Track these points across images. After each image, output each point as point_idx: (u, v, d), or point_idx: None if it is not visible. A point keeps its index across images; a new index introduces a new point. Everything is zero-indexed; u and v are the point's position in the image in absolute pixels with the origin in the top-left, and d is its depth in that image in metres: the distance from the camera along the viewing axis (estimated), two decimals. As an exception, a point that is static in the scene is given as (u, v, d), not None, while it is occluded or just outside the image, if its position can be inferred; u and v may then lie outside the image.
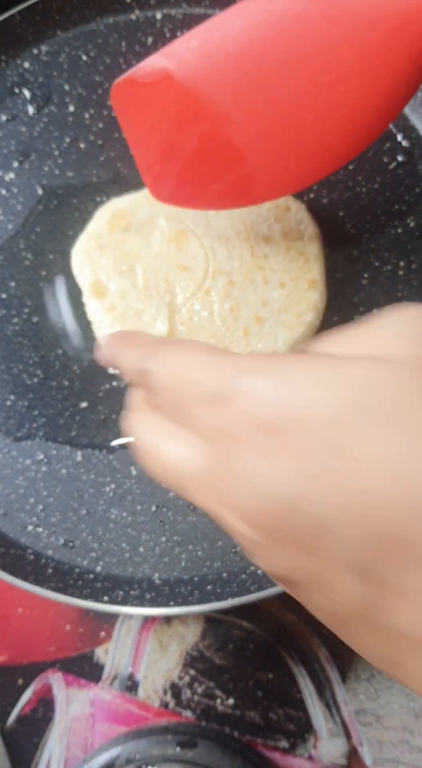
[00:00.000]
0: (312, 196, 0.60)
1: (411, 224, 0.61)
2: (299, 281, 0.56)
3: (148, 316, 0.55)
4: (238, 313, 0.55)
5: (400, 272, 0.60)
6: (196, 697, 0.57)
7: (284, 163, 0.45)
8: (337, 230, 0.61)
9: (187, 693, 0.57)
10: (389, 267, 0.60)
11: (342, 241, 0.61)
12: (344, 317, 0.59)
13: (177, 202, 0.52)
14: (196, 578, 0.52)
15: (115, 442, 0.56)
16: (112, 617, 0.59)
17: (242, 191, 0.48)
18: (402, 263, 0.60)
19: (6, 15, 0.66)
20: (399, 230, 0.61)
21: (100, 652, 0.59)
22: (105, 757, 0.53)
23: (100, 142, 0.65)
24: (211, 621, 0.59)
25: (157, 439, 0.29)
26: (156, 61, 0.45)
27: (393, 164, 0.63)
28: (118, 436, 0.56)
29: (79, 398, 0.57)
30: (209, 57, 0.43)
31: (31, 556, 0.53)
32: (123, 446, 0.56)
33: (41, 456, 0.56)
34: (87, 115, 0.65)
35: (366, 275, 0.60)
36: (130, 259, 0.57)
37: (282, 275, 0.56)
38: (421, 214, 0.61)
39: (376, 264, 0.60)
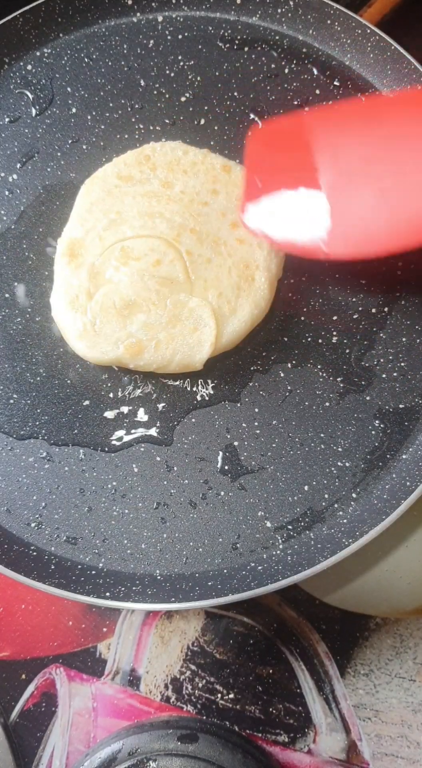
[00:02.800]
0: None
1: (410, 225, 0.61)
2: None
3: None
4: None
5: (399, 272, 0.60)
6: (196, 692, 0.58)
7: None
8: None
9: (187, 688, 0.58)
10: (388, 267, 0.60)
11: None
12: (343, 316, 0.59)
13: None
14: (196, 574, 0.53)
15: (117, 441, 0.57)
16: (114, 613, 0.60)
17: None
18: (400, 263, 0.60)
19: (9, 17, 0.66)
20: (398, 231, 0.61)
21: (102, 648, 0.59)
22: (107, 750, 0.54)
23: (102, 143, 0.65)
24: (211, 616, 0.59)
25: None
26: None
27: (392, 165, 0.64)
28: (120, 434, 0.57)
29: (81, 396, 0.58)
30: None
31: (34, 553, 0.54)
32: (125, 444, 0.57)
33: (44, 454, 0.57)
34: (89, 117, 0.66)
35: (365, 275, 0.60)
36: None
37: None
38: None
39: (375, 264, 0.60)
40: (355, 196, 0.51)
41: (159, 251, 0.56)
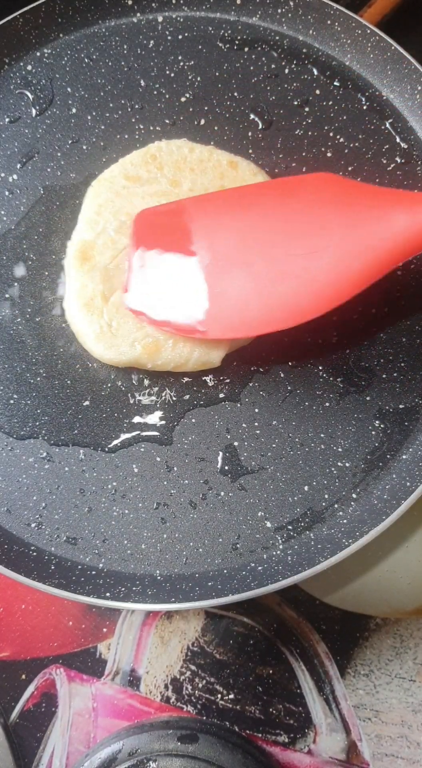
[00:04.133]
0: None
1: (410, 225, 0.61)
2: None
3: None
4: None
5: (399, 272, 0.60)
6: (196, 692, 0.58)
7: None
8: (337, 231, 0.62)
9: (187, 688, 0.58)
10: (388, 267, 0.60)
11: (342, 242, 0.61)
12: (343, 316, 0.59)
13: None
14: (196, 575, 0.53)
15: (117, 441, 0.57)
16: (114, 613, 0.60)
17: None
18: (400, 264, 0.60)
19: (9, 18, 0.66)
20: (398, 231, 0.61)
21: (102, 648, 0.59)
22: (107, 751, 0.54)
23: (102, 143, 0.65)
24: (211, 617, 0.59)
25: None
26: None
27: (392, 165, 0.64)
28: (120, 434, 0.57)
29: (81, 397, 0.58)
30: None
31: (34, 553, 0.54)
32: (125, 444, 0.57)
33: (44, 454, 0.57)
34: (89, 117, 0.66)
35: (365, 275, 0.60)
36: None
37: None
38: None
39: (375, 264, 0.61)
40: (230, 279, 0.53)
41: None
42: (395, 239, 0.49)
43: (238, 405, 0.57)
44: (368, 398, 0.57)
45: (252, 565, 0.53)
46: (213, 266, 0.54)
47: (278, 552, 0.53)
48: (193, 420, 0.57)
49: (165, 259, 0.55)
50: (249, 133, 0.65)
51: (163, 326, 0.55)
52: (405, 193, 0.51)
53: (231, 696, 0.58)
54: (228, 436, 0.56)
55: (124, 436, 0.57)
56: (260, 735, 0.57)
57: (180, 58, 0.68)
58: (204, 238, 0.55)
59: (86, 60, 0.68)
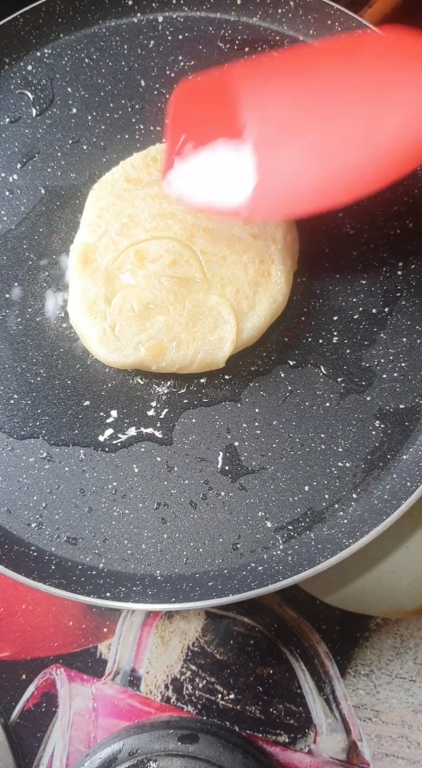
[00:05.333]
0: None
1: (410, 225, 0.61)
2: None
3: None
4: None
5: (399, 272, 0.60)
6: (197, 692, 0.58)
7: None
8: (337, 231, 0.62)
9: (188, 688, 0.58)
10: (388, 267, 0.61)
11: (342, 242, 0.61)
12: (343, 316, 0.59)
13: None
14: (197, 575, 0.53)
15: (118, 441, 0.57)
16: (115, 613, 0.60)
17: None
18: (401, 263, 0.60)
19: (9, 18, 0.66)
20: (398, 231, 0.61)
21: (102, 648, 0.59)
22: (107, 751, 0.54)
23: (102, 143, 0.65)
24: (212, 617, 0.59)
25: None
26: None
27: (393, 165, 0.64)
28: (121, 434, 0.57)
29: (81, 397, 0.58)
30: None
31: (35, 553, 0.54)
32: (125, 444, 0.57)
33: (44, 454, 0.57)
34: (89, 117, 0.66)
35: (365, 276, 0.60)
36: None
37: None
38: (420, 215, 0.61)
39: (375, 264, 0.61)
40: (281, 152, 0.48)
41: (174, 252, 0.57)
42: None
43: (239, 405, 0.57)
44: (368, 398, 0.57)
45: (253, 565, 0.53)
46: (262, 138, 0.48)
47: (278, 552, 0.53)
48: (194, 420, 0.57)
49: (207, 134, 0.50)
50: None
51: (205, 211, 0.50)
52: None
53: (232, 696, 0.58)
54: (229, 436, 0.57)
55: (124, 436, 0.57)
56: (260, 735, 0.57)
57: (180, 58, 0.68)
58: (252, 108, 0.49)
59: (86, 60, 0.68)
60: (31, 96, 0.67)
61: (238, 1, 0.68)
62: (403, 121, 0.45)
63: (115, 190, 0.59)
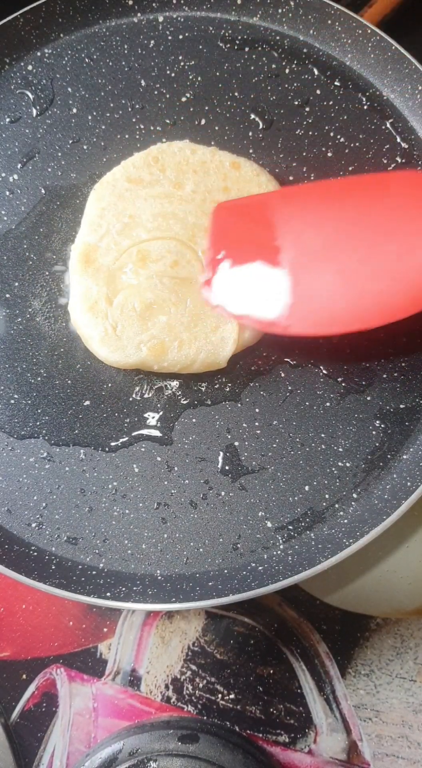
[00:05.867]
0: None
1: (411, 225, 0.61)
2: None
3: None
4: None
5: (399, 272, 0.60)
6: (197, 692, 0.58)
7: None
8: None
9: (188, 688, 0.58)
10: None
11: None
12: (344, 317, 0.59)
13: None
14: (197, 574, 0.53)
15: (118, 441, 0.57)
16: (115, 613, 0.60)
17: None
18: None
19: (9, 18, 0.66)
20: (399, 231, 0.61)
21: (102, 648, 0.59)
22: (107, 751, 0.54)
23: (102, 143, 0.65)
24: (212, 617, 0.59)
25: None
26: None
27: (393, 165, 0.64)
28: (121, 434, 0.57)
29: (81, 397, 0.58)
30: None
31: (35, 553, 0.54)
32: (125, 444, 0.57)
33: (44, 454, 0.57)
34: (90, 117, 0.66)
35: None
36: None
37: None
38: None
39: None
40: (316, 275, 0.52)
41: (175, 252, 0.57)
42: None
43: (239, 405, 0.57)
44: (369, 398, 0.57)
45: (253, 565, 0.53)
46: (298, 261, 0.52)
47: (279, 552, 0.53)
48: (194, 420, 0.57)
49: (246, 252, 0.54)
50: (250, 133, 0.65)
51: (246, 321, 0.54)
52: None
53: (232, 696, 0.58)
54: (229, 436, 0.57)
55: (124, 436, 0.57)
56: (261, 735, 0.57)
57: (180, 58, 0.68)
58: (289, 233, 0.53)
59: (87, 60, 0.68)
60: (31, 96, 0.67)
61: (238, 1, 0.68)
62: None
63: (117, 190, 0.59)
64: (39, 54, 0.68)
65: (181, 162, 0.60)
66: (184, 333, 0.55)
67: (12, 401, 0.58)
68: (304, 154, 0.64)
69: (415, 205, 0.51)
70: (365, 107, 0.65)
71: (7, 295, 0.61)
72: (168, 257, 0.56)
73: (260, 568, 0.52)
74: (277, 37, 0.68)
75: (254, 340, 0.57)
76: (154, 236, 0.57)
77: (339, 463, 0.56)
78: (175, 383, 0.58)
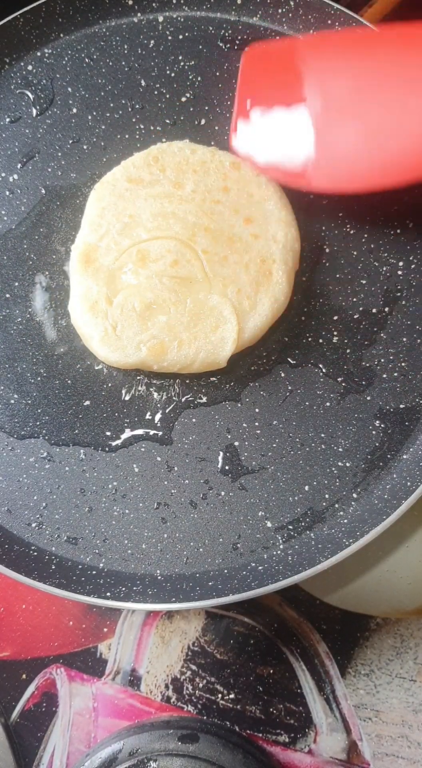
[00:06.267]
0: (311, 197, 0.61)
1: (410, 225, 0.61)
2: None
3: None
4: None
5: (399, 272, 0.60)
6: (197, 692, 0.58)
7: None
8: (337, 231, 0.62)
9: (188, 688, 0.58)
10: (388, 267, 0.61)
11: (342, 242, 0.61)
12: (343, 316, 0.59)
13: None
14: (197, 574, 0.53)
15: (118, 441, 0.57)
16: (115, 613, 0.60)
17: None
18: (401, 263, 0.60)
19: (9, 18, 0.66)
20: (399, 231, 0.61)
21: (102, 648, 0.59)
22: (107, 750, 0.54)
23: (102, 143, 0.65)
24: (212, 617, 0.59)
25: None
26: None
27: (393, 165, 0.64)
28: (121, 434, 0.57)
29: (81, 397, 0.58)
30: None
31: (35, 553, 0.54)
32: (125, 444, 0.57)
33: (44, 454, 0.57)
34: (90, 117, 0.66)
35: (365, 275, 0.60)
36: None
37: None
38: (420, 216, 0.61)
39: (376, 264, 0.61)
40: (341, 128, 0.50)
41: (175, 252, 0.57)
42: None
43: (239, 405, 0.57)
44: (368, 398, 0.57)
45: (253, 564, 0.53)
46: (324, 113, 0.50)
47: (278, 552, 0.53)
48: (194, 420, 0.57)
49: (272, 101, 0.52)
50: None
51: (269, 171, 0.52)
52: None
53: (232, 696, 0.58)
54: (229, 436, 0.57)
55: (124, 436, 0.57)
56: (260, 735, 0.57)
57: (180, 58, 0.68)
58: (316, 83, 0.51)
59: (87, 60, 0.68)
60: (31, 96, 0.67)
61: (238, 1, 0.68)
62: None
63: (117, 189, 0.59)
64: (39, 54, 0.68)
65: (180, 162, 0.60)
66: (184, 333, 0.55)
67: (12, 401, 0.58)
68: (304, 154, 0.64)
69: None
70: (365, 107, 0.65)
71: (7, 295, 0.61)
72: (168, 257, 0.56)
73: (260, 568, 0.52)
74: (277, 37, 0.68)
75: (254, 340, 0.57)
76: (153, 236, 0.57)
77: (339, 463, 0.56)
78: (175, 383, 0.58)
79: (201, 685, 0.58)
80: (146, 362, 0.56)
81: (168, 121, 0.66)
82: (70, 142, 0.65)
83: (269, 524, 0.54)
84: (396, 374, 0.58)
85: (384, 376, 0.58)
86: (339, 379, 0.58)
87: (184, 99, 0.66)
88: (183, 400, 0.58)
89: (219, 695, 0.58)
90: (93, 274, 0.57)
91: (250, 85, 0.53)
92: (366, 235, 0.61)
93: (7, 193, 0.64)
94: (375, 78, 0.50)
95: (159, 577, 0.53)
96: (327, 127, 0.50)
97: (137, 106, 0.66)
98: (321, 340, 0.59)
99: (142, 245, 0.57)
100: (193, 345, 0.55)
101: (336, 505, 0.55)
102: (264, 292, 0.57)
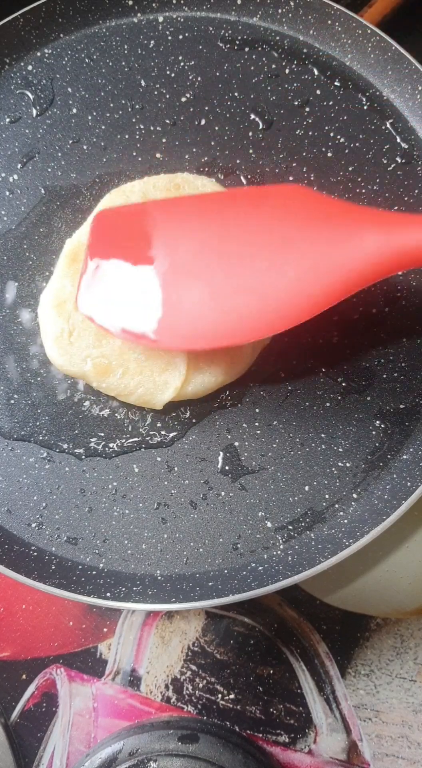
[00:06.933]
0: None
1: (411, 225, 0.61)
2: None
3: None
4: None
5: (399, 274, 0.60)
6: (197, 692, 0.58)
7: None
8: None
9: (188, 688, 0.58)
10: (388, 267, 0.60)
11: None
12: (343, 316, 0.59)
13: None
14: (197, 575, 0.53)
15: (118, 441, 0.57)
16: (115, 613, 0.60)
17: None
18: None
19: (9, 18, 0.66)
20: (399, 231, 0.61)
21: (102, 648, 0.59)
22: (107, 751, 0.54)
23: (102, 143, 0.65)
24: (212, 617, 0.59)
25: None
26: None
27: (393, 165, 0.64)
28: (121, 434, 0.57)
29: (82, 397, 0.58)
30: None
31: (35, 553, 0.54)
32: (124, 444, 0.57)
33: (44, 454, 0.57)
34: (90, 117, 0.66)
35: (365, 275, 0.60)
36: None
37: None
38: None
39: (376, 264, 0.61)
40: (186, 288, 0.51)
41: None
42: (366, 260, 0.47)
43: (239, 405, 0.57)
44: (368, 398, 0.57)
45: (253, 565, 0.53)
46: (170, 274, 0.51)
47: (278, 552, 0.53)
48: (194, 420, 0.57)
49: (120, 262, 0.53)
50: (250, 133, 0.65)
51: (115, 334, 0.52)
52: (378, 213, 0.49)
53: (232, 696, 0.58)
54: (229, 436, 0.57)
55: (124, 437, 0.57)
56: (261, 735, 0.57)
57: (180, 58, 0.68)
58: (164, 244, 0.52)
59: (87, 60, 0.68)
60: (31, 96, 0.67)
61: (239, 1, 0.68)
62: (301, 272, 0.48)
63: (129, 201, 0.59)
64: (39, 54, 0.68)
65: None
66: (132, 363, 0.54)
67: (12, 401, 0.58)
68: (304, 154, 0.64)
69: (288, 220, 0.50)
70: (365, 107, 0.66)
71: (7, 295, 0.61)
72: None
73: (260, 568, 0.52)
74: (277, 37, 0.68)
75: (197, 396, 0.56)
76: None
77: (339, 463, 0.56)
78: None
79: (201, 685, 0.58)
80: (88, 377, 0.55)
81: (168, 121, 0.66)
82: (70, 142, 0.65)
83: (269, 524, 0.54)
84: (396, 374, 0.58)
85: (384, 376, 0.58)
86: (339, 379, 0.58)
87: (183, 99, 0.66)
88: (183, 399, 0.58)
89: (219, 695, 0.58)
90: (73, 274, 0.57)
91: (98, 245, 0.54)
92: (366, 236, 0.61)
93: (7, 193, 0.64)
94: (219, 240, 0.51)
95: (159, 578, 0.53)
96: (174, 287, 0.51)
97: (137, 106, 0.66)
98: (321, 341, 0.59)
99: None
100: (137, 378, 0.54)
101: (336, 506, 0.55)
102: (224, 354, 0.55)
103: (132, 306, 0.52)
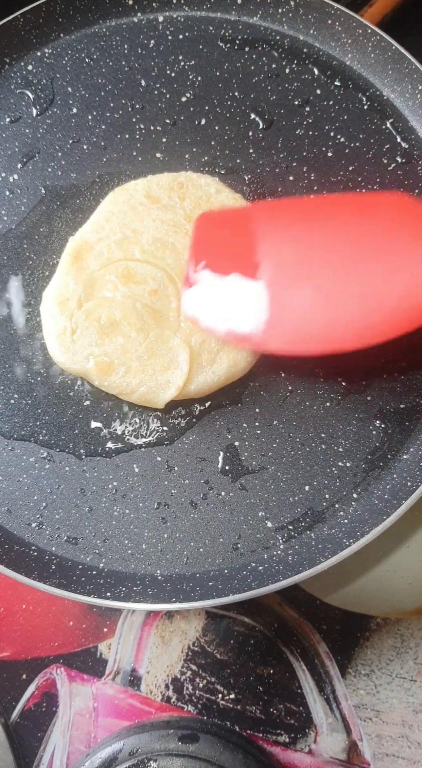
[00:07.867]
0: (312, 197, 0.61)
1: (411, 225, 0.61)
2: None
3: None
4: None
5: (400, 272, 0.60)
6: (197, 692, 0.58)
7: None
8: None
9: (188, 688, 0.58)
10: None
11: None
12: (344, 317, 0.59)
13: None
14: (197, 574, 0.53)
15: (118, 440, 0.57)
16: (115, 613, 0.60)
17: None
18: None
19: (9, 18, 0.66)
20: (399, 231, 0.61)
21: (102, 648, 0.59)
22: (107, 750, 0.54)
23: (102, 143, 0.65)
24: (212, 617, 0.59)
25: None
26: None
27: (393, 165, 0.64)
28: (121, 434, 0.57)
29: (82, 397, 0.58)
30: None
31: (35, 553, 0.54)
32: (124, 444, 0.57)
33: (44, 454, 0.57)
34: (90, 117, 0.66)
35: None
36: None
37: None
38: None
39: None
40: (293, 292, 0.51)
41: (159, 282, 0.56)
42: None
43: (239, 405, 0.57)
44: (369, 398, 0.57)
45: (253, 564, 0.53)
46: (276, 277, 0.51)
47: (279, 552, 0.53)
48: (194, 419, 0.57)
49: (224, 264, 0.53)
50: (250, 133, 0.65)
51: (220, 335, 0.53)
52: None
53: (232, 696, 0.58)
54: (229, 436, 0.57)
55: (124, 437, 0.57)
56: (261, 735, 0.57)
57: (180, 57, 0.68)
58: (268, 248, 0.52)
59: (87, 60, 0.68)
60: (31, 96, 0.67)
61: (239, 1, 0.68)
62: (413, 281, 0.48)
63: (132, 200, 0.59)
64: (39, 54, 0.68)
65: (202, 197, 0.60)
66: (135, 362, 0.55)
67: (12, 401, 0.58)
68: (304, 154, 0.64)
69: (397, 230, 0.50)
70: (365, 107, 0.65)
71: (7, 295, 0.61)
72: (150, 284, 0.56)
73: (260, 568, 0.52)
74: (277, 37, 0.68)
75: (199, 395, 0.56)
76: (145, 259, 0.57)
77: (339, 463, 0.56)
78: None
79: (201, 685, 0.58)
80: (89, 375, 0.55)
81: (168, 121, 0.66)
82: (70, 142, 0.65)
83: (269, 524, 0.54)
84: (396, 374, 0.58)
85: (384, 376, 0.58)
86: (339, 379, 0.58)
87: (184, 99, 0.66)
88: (183, 399, 0.58)
89: (220, 695, 0.58)
90: (76, 272, 0.57)
91: (203, 248, 0.54)
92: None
93: (7, 193, 0.64)
94: (327, 244, 0.51)
95: (159, 577, 0.53)
96: (280, 291, 0.51)
97: (137, 106, 0.66)
98: (321, 340, 0.59)
99: (131, 263, 0.57)
100: (138, 377, 0.55)
101: (337, 505, 0.54)
102: (227, 352, 0.56)
103: (237, 308, 0.52)
